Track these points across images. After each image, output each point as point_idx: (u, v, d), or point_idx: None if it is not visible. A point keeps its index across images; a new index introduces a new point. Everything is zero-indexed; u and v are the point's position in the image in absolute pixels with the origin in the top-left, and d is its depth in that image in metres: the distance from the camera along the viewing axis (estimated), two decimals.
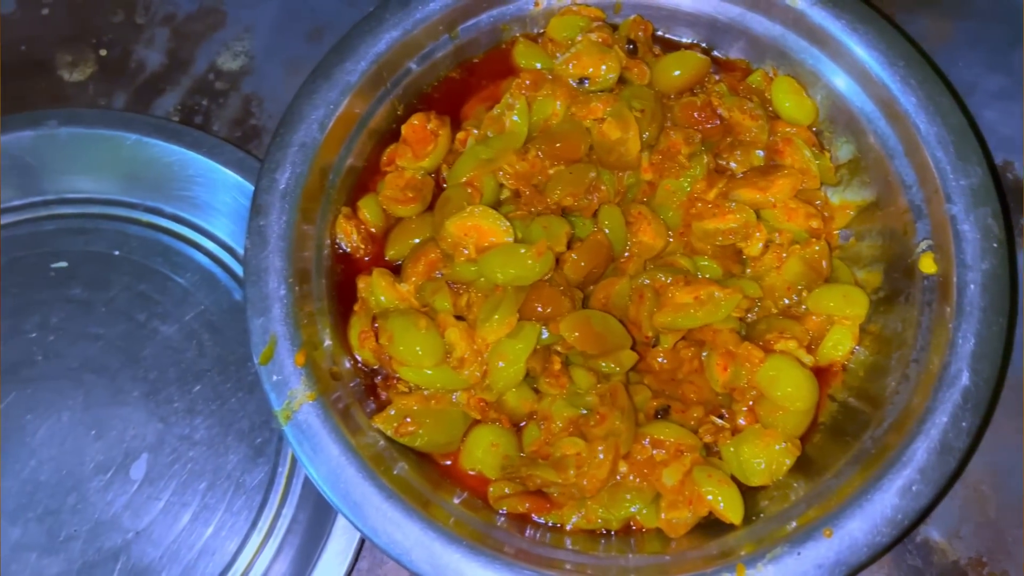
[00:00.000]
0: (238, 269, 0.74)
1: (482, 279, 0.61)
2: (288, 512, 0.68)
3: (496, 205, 0.65)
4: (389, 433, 0.61)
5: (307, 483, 0.68)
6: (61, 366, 0.71)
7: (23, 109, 0.78)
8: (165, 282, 0.74)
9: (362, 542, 0.65)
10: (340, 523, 0.65)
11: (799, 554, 0.54)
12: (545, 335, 0.61)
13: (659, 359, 0.64)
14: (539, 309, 0.60)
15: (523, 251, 0.60)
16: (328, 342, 0.62)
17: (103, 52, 0.80)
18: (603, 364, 0.61)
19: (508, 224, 0.61)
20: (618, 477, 0.60)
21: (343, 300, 0.65)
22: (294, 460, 0.69)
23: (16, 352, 0.72)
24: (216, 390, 0.71)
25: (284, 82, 0.79)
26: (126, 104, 0.79)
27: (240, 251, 0.74)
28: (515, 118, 0.66)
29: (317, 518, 0.67)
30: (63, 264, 0.74)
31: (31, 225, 0.75)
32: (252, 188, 0.72)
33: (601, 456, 0.59)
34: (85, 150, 0.75)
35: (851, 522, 0.55)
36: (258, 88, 0.79)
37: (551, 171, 0.65)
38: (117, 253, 0.75)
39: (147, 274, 0.74)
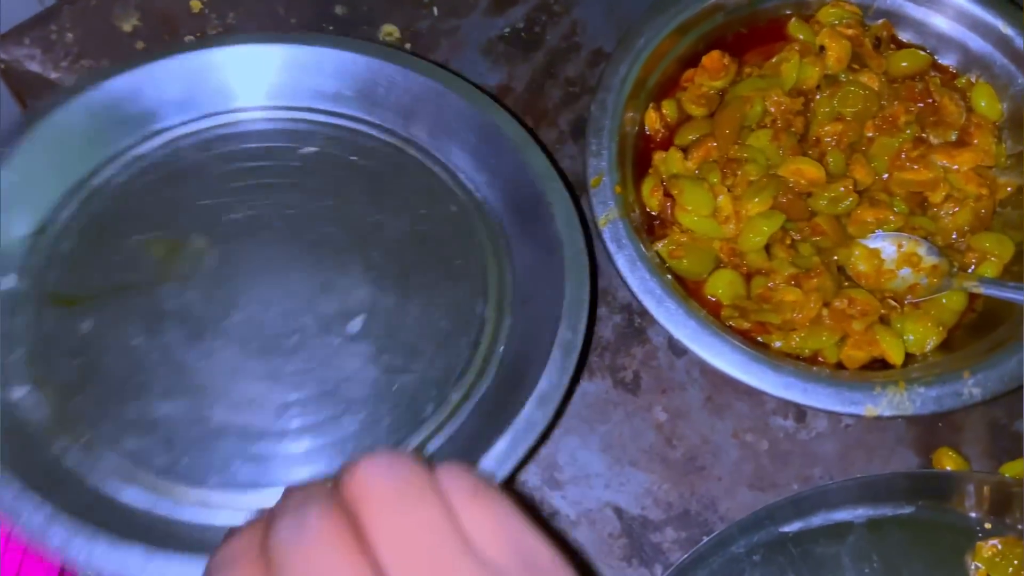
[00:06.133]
0: (453, 188, 0.86)
1: (752, 167, 0.88)
2: (483, 383, 0.78)
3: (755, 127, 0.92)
4: (663, 254, 0.86)
5: (503, 359, 0.79)
6: (297, 236, 0.81)
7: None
8: (393, 187, 0.84)
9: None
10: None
11: (943, 383, 0.79)
12: None
13: None
14: (788, 210, 0.86)
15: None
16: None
17: None
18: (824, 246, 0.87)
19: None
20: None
21: (638, 166, 0.92)
22: (492, 339, 0.80)
23: (258, 221, 0.81)
24: (429, 277, 0.81)
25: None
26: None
27: (457, 172, 0.87)
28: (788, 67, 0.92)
29: (509, 391, 0.76)
30: (310, 150, 0.85)
31: (285, 122, 0.87)
32: (480, 117, 0.84)
33: (812, 304, 0.84)
34: (339, 71, 0.86)
35: (988, 370, 0.79)
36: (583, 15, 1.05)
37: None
38: (354, 158, 0.85)
39: (377, 179, 0.84)
